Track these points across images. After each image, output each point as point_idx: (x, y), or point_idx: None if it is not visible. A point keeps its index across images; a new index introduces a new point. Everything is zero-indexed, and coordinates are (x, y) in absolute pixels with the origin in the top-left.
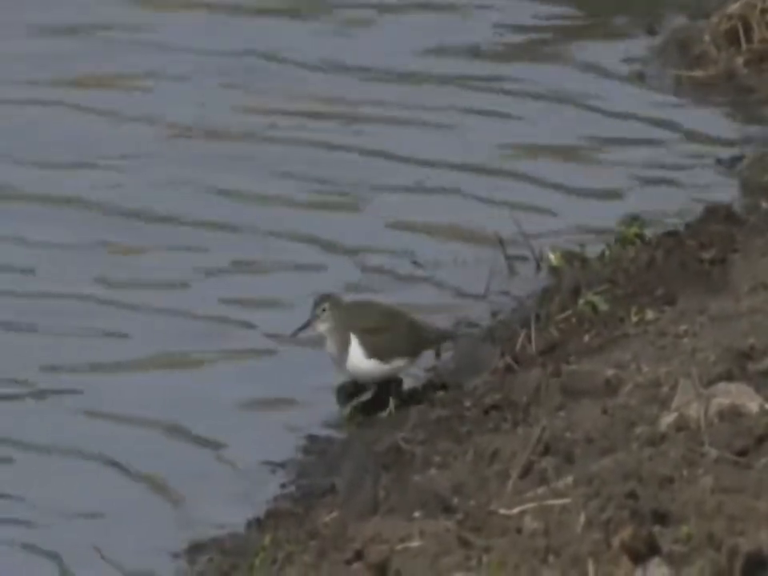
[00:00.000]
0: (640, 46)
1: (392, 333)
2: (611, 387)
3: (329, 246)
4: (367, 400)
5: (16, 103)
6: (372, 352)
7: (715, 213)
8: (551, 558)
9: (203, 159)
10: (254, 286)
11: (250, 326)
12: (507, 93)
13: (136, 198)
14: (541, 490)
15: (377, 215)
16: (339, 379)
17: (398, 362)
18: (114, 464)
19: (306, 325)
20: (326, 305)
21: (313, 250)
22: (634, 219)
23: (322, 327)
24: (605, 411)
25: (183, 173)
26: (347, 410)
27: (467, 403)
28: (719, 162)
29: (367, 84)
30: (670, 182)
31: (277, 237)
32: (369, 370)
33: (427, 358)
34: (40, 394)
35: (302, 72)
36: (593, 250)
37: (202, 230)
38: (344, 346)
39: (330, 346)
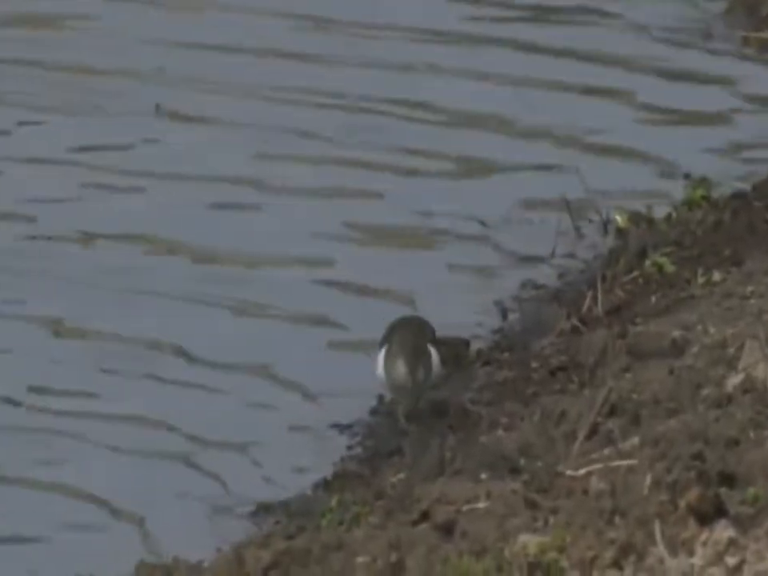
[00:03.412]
0: (706, 6)
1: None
2: (678, 348)
3: (391, 205)
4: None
5: None
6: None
7: None
8: (617, 519)
9: None
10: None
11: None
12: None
13: None
14: (607, 452)
15: (441, 175)
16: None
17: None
18: (175, 428)
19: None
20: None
21: (374, 208)
22: (700, 181)
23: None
24: (671, 372)
25: None
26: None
27: (534, 365)
28: None
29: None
30: (736, 143)
31: (340, 196)
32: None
33: (494, 320)
34: None
35: None
36: (659, 212)
37: None
38: (427, 362)
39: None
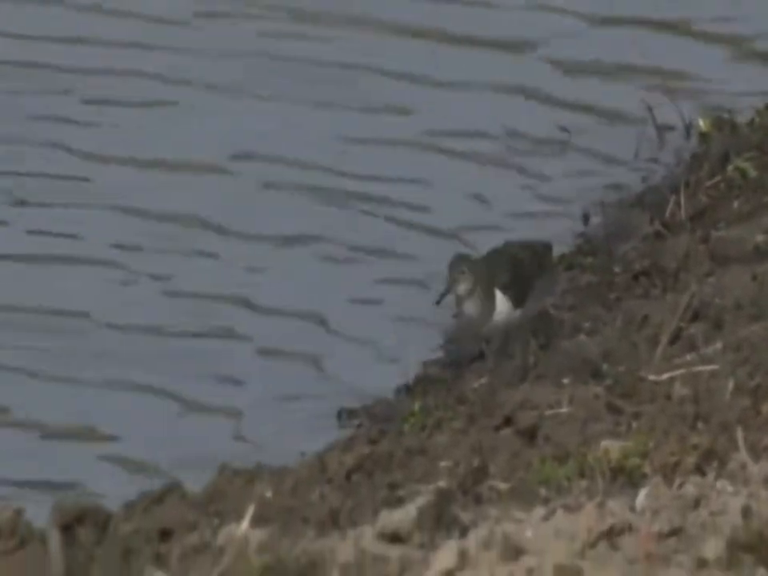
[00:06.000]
0: None
1: (528, 279)
2: (760, 253)
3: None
4: None
5: None
6: (516, 302)
7: None
8: (700, 425)
9: None
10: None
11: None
12: None
13: None
14: (690, 357)
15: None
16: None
17: (534, 304)
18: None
19: (447, 291)
20: (464, 267)
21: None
22: None
23: (462, 289)
24: (754, 277)
25: None
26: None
27: (616, 269)
28: None
29: None
30: None
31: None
32: (514, 318)
33: (577, 224)
34: None
35: None
36: (742, 117)
37: None
38: (489, 303)
39: (470, 306)
